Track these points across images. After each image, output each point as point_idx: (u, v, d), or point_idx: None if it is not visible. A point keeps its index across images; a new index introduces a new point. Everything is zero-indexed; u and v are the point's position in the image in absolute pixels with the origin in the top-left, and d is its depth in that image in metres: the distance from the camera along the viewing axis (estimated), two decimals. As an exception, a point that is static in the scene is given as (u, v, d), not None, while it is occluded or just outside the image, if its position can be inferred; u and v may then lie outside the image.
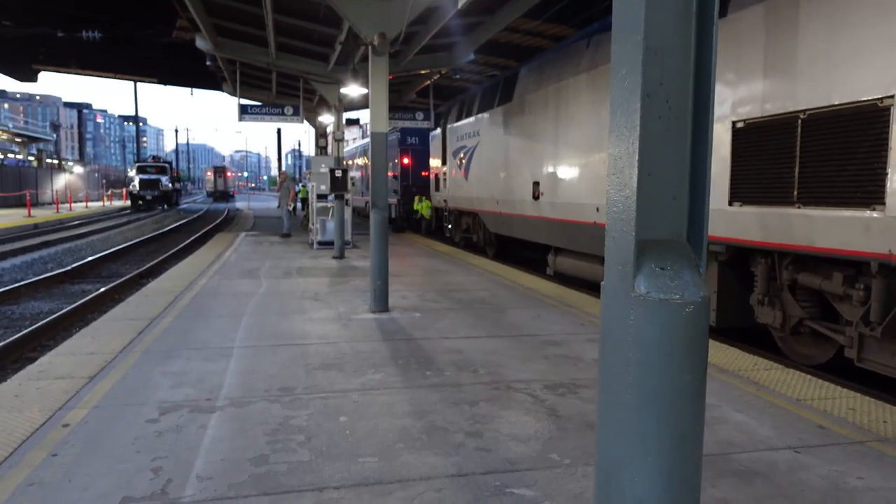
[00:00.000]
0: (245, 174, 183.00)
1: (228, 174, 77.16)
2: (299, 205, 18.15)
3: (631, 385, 1.77)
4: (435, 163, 18.97)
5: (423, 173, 22.50)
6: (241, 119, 15.82)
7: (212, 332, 6.62)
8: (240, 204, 55.19)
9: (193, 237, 21.25)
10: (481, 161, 14.41)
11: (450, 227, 17.83)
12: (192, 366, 5.41)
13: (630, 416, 1.78)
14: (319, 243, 15.48)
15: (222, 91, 22.53)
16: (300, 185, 29.24)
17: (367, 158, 29.98)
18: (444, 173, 17.58)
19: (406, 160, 22.60)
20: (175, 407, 4.43)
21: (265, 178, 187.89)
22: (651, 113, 1.76)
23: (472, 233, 16.28)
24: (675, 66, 1.77)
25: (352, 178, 12.12)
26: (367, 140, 32.20)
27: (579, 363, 5.54)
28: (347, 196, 14.38)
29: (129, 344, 6.12)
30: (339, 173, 12.99)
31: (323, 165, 14.90)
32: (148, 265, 13.97)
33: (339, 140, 13.91)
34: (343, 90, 12.04)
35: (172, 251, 16.88)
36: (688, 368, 1.73)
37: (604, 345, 1.86)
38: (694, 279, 1.75)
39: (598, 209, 9.12)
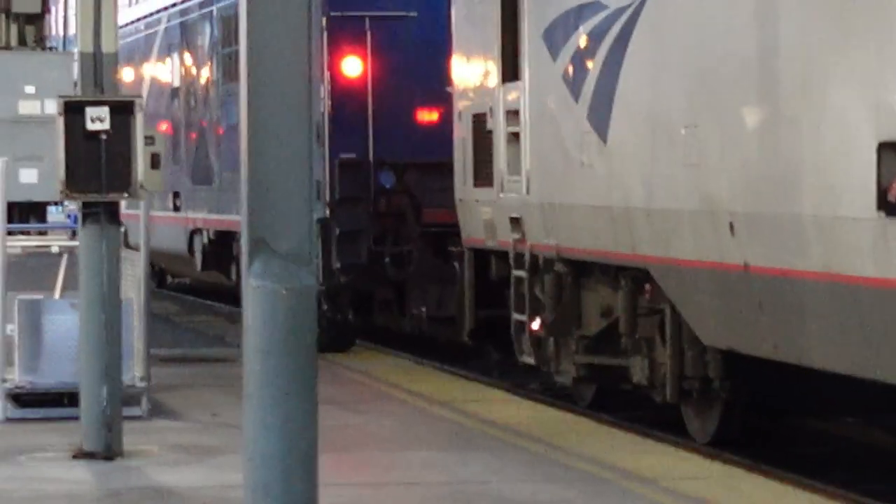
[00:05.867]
0: None
1: None
2: None
3: None
4: (470, 76, 7.56)
5: (416, 114, 8.76)
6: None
7: None
8: None
9: None
10: (665, 63, 5.37)
11: (535, 324, 6.68)
12: None
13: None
14: (21, 399, 6.17)
15: None
16: None
17: (190, 58, 11.39)
18: (511, 115, 6.91)
19: (350, 67, 8.81)
20: None
21: None
22: None
23: (626, 353, 6.03)
24: None
25: (150, 143, 4.49)
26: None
27: None
28: (137, 211, 6.24)
29: None
30: (100, 120, 4.76)
31: (31, 88, 6.09)
32: None
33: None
34: None
35: None
36: None
37: None
38: None
39: None
